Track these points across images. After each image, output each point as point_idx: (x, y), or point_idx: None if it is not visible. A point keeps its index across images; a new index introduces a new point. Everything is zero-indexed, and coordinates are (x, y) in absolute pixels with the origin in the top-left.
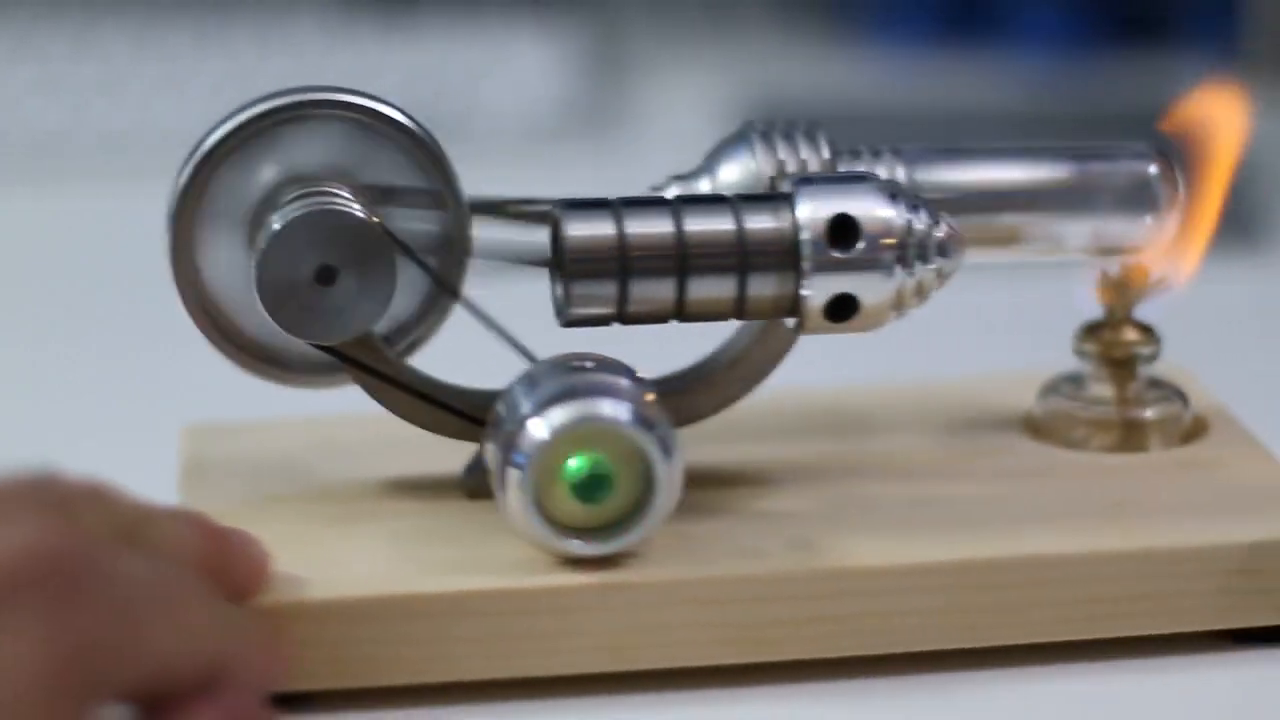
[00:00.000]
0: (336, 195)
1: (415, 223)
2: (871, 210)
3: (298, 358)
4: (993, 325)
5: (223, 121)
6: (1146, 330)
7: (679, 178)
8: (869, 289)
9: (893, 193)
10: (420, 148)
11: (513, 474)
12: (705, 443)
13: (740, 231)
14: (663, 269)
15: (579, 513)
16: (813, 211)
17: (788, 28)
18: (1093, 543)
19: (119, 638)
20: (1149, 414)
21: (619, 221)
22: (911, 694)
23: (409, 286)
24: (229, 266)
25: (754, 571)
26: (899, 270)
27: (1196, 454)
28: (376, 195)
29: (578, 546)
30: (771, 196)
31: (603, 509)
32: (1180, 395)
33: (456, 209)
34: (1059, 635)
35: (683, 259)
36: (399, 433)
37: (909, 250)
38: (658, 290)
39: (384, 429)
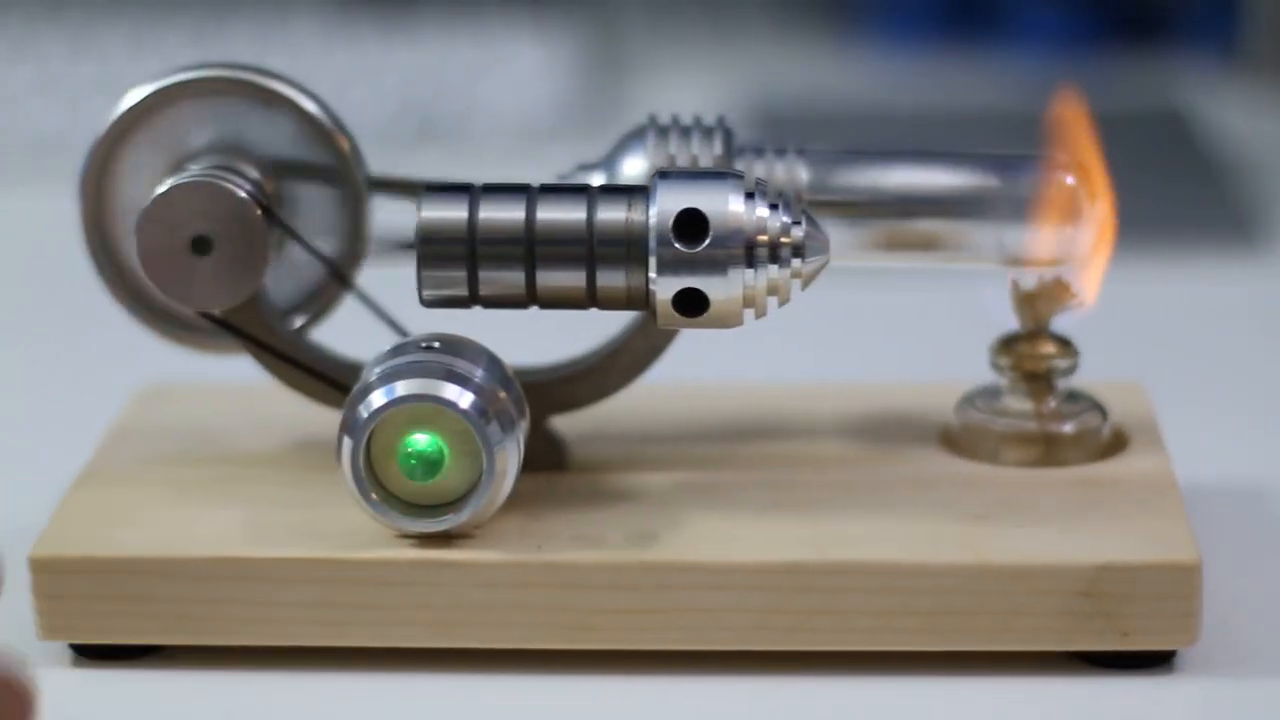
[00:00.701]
0: (230, 170)
1: (315, 206)
2: (722, 207)
3: (199, 320)
4: (944, 331)
5: (134, 89)
6: (1064, 343)
7: (585, 167)
8: (716, 286)
9: (750, 191)
10: (329, 138)
11: (346, 442)
12: (589, 431)
13: (590, 222)
14: (510, 256)
15: (414, 489)
16: (664, 205)
17: (787, 28)
18: (926, 554)
19: None
20: (1066, 428)
21: (474, 206)
22: (733, 694)
23: (308, 259)
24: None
25: (581, 559)
26: (747, 269)
27: (1101, 471)
28: (280, 177)
29: (402, 522)
30: (630, 189)
31: (435, 488)
32: (1099, 408)
33: (357, 198)
34: (886, 645)
35: (530, 247)
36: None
37: (758, 249)
38: (507, 277)
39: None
